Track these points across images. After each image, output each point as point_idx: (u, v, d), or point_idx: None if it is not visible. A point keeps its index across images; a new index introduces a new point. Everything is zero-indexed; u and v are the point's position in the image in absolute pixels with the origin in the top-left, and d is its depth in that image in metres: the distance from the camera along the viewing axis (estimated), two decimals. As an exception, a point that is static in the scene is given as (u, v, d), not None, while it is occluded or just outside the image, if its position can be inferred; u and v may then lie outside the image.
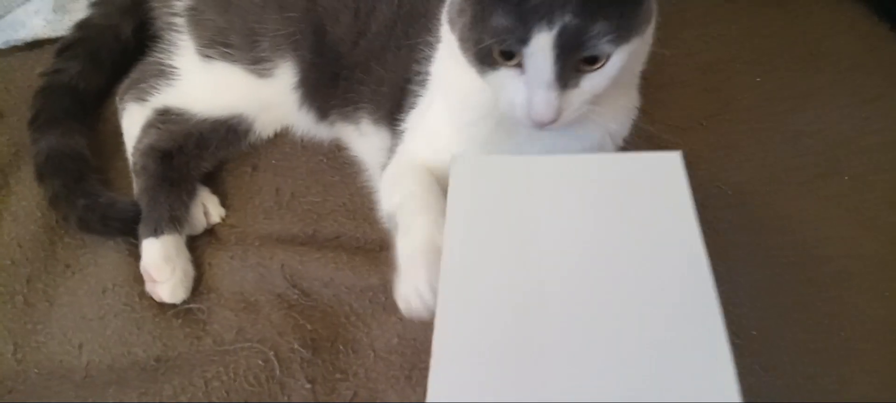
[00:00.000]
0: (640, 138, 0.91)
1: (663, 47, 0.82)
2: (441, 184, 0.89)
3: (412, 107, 0.96)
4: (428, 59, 0.92)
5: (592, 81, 0.73)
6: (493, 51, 0.71)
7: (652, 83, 0.88)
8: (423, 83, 0.94)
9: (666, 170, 0.69)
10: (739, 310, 0.99)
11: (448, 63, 0.85)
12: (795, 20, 1.36)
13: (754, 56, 1.30)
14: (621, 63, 0.73)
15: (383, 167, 0.98)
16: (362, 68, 1.03)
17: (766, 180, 1.13)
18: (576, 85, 0.72)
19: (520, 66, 0.71)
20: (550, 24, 0.67)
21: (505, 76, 0.73)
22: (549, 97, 0.71)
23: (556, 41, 0.68)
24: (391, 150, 0.98)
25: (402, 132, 0.97)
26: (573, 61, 0.70)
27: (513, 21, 0.68)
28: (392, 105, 1.00)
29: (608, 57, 0.71)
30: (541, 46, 0.68)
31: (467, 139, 0.87)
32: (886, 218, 1.09)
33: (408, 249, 0.79)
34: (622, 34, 0.71)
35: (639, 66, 0.83)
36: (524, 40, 0.68)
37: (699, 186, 1.09)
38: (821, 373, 0.93)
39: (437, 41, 0.89)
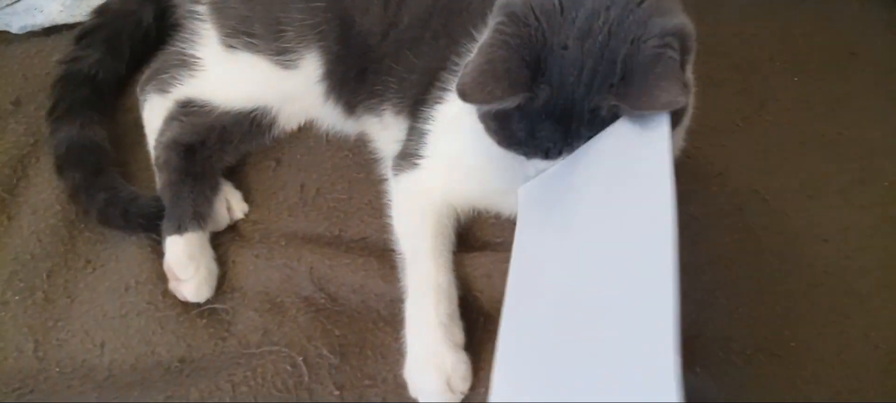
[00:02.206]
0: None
1: (698, 44, 0.79)
2: (457, 212, 0.96)
3: (440, 101, 0.93)
4: (469, 52, 0.89)
5: None
6: None
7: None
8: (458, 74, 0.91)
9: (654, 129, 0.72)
10: (777, 321, 0.96)
11: None
12: (831, 20, 1.32)
13: (790, 57, 1.26)
14: None
15: (395, 157, 0.97)
16: (392, 58, 1.00)
17: (802, 185, 1.10)
18: None
19: None
20: (548, 157, 0.80)
21: None
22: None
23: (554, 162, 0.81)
24: (408, 148, 0.96)
25: (425, 132, 0.94)
26: None
27: (525, 135, 0.78)
28: (418, 93, 0.97)
29: None
30: (541, 164, 0.82)
31: (494, 169, 0.88)
32: (927, 229, 1.06)
33: (421, 329, 0.84)
34: None
35: None
36: (528, 155, 0.81)
37: (737, 191, 1.09)
38: (861, 388, 0.91)
39: (480, 35, 0.86)
